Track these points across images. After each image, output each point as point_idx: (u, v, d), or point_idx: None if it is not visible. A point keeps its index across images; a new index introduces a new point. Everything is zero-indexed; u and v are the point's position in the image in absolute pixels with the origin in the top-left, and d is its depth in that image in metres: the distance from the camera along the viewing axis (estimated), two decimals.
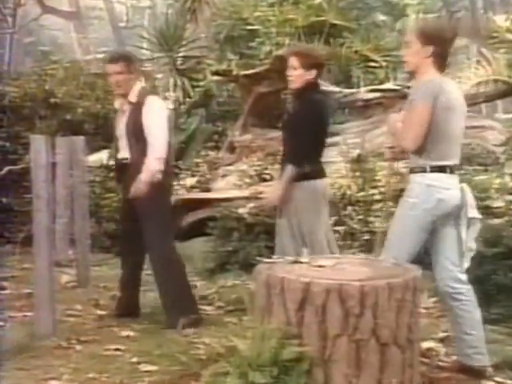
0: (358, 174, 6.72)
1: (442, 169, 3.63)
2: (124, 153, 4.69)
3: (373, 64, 9.24)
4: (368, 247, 5.98)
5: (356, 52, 9.25)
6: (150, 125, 4.55)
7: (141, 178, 4.49)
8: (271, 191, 4.55)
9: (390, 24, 10.77)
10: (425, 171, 3.63)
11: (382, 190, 6.43)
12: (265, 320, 3.13)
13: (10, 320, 4.80)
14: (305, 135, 4.31)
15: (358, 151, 7.25)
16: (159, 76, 10.40)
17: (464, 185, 3.75)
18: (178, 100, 9.77)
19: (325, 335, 3.00)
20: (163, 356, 3.99)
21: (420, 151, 3.62)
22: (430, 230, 3.68)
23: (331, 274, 3.19)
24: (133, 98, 4.65)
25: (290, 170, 4.30)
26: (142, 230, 4.64)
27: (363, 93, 8.53)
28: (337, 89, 8.54)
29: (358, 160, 7.01)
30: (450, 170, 3.66)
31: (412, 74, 3.89)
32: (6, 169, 5.07)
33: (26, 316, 4.86)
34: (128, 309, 4.88)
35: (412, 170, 3.70)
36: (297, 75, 4.36)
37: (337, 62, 9.12)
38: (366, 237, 6.16)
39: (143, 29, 16.39)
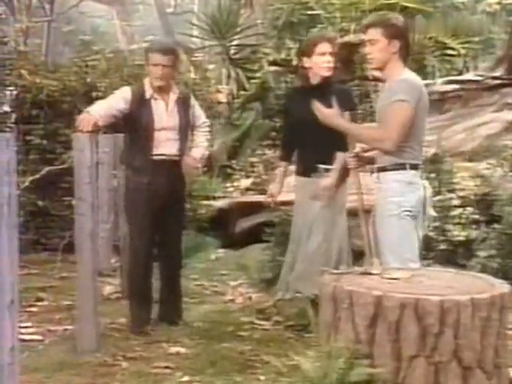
0: (433, 175, 6.65)
1: (416, 167, 4.02)
2: (166, 148, 4.86)
3: (450, 52, 9.13)
4: (446, 258, 5.92)
5: (431, 38, 9.17)
6: (201, 116, 5.12)
7: (195, 156, 5.00)
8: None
9: (470, 6, 10.61)
10: (405, 169, 3.96)
11: (462, 194, 6.35)
12: (331, 337, 3.13)
13: (48, 334, 4.91)
14: None
15: (433, 150, 7.17)
16: (211, 67, 10.49)
17: (425, 182, 4.14)
18: (231, 93, 9.83)
19: (399, 356, 2.99)
20: (217, 375, 4.03)
21: (398, 151, 3.94)
22: None
23: (406, 287, 3.17)
24: (176, 92, 4.96)
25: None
26: (175, 230, 5.01)
27: (439, 84, 8.44)
28: None
29: (434, 160, 6.93)
30: (420, 167, 4.07)
31: (380, 70, 4.15)
32: (46, 169, 5.18)
33: (66, 330, 4.97)
34: (169, 316, 4.99)
35: (386, 169, 4.00)
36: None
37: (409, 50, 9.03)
38: (443, 246, 6.09)
39: (193, 15, 16.55)
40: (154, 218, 4.89)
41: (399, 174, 3.97)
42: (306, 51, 4.89)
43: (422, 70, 9.00)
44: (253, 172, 8.60)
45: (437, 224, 6.21)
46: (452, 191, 6.47)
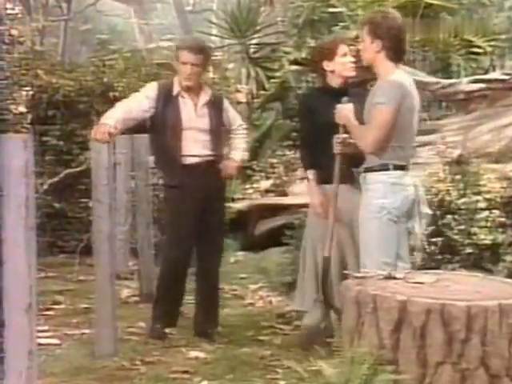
0: (458, 177, 6.60)
1: (402, 167, 4.06)
2: (197, 149, 4.81)
3: (476, 50, 9.07)
4: (471, 262, 5.88)
5: (456, 36, 9.11)
6: (237, 118, 5.15)
7: (235, 158, 5.05)
8: None
9: (497, 3, 10.53)
10: (387, 170, 4.02)
11: (488, 196, 6.30)
12: (354, 342, 3.12)
13: (66, 338, 4.94)
14: None
15: (458, 151, 7.13)
16: (230, 66, 10.49)
17: (417, 180, 4.19)
18: (251, 93, 9.84)
19: (424, 362, 2.98)
20: (237, 380, 4.03)
21: (381, 152, 4.02)
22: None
23: (432, 292, 3.16)
24: (208, 93, 4.94)
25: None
26: (214, 234, 4.89)
27: (465, 84, 8.37)
28: (433, 79, 8.43)
29: (459, 161, 6.89)
30: (408, 167, 4.10)
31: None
32: (64, 172, 5.21)
33: (83, 333, 5.00)
34: (206, 328, 4.94)
35: (370, 169, 4.07)
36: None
37: (433, 48, 9.00)
38: (469, 250, 6.05)
39: (212, 13, 16.60)
40: (192, 223, 4.80)
41: (383, 175, 4.04)
42: (326, 54, 4.84)
43: (446, 69, 8.98)
44: (273, 173, 8.60)
45: (462, 227, 6.17)
46: (478, 193, 6.41)
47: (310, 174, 4.85)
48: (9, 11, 8.04)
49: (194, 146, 4.81)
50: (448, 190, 6.38)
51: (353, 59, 4.76)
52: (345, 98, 4.35)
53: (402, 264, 4.02)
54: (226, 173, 4.99)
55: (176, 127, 4.78)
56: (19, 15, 9.75)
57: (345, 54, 4.77)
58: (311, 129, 4.84)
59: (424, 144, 7.70)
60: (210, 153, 4.86)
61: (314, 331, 4.52)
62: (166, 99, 4.81)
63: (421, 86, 8.17)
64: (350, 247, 4.62)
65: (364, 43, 4.12)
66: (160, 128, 4.82)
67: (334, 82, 4.81)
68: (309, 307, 4.75)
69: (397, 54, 4.11)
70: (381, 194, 4.02)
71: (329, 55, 4.82)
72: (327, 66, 4.81)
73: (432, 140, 7.51)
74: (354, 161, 4.38)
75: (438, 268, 5.48)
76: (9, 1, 8.54)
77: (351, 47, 4.83)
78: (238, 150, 5.11)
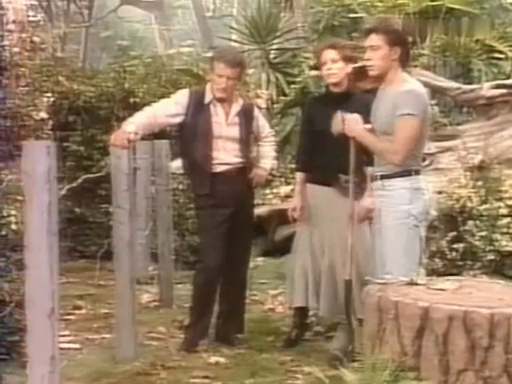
0: (480, 183, 6.58)
1: (418, 172, 4.12)
2: (227, 157, 4.80)
3: (497, 55, 9.03)
4: (493, 269, 5.85)
5: (477, 41, 9.08)
6: (266, 127, 5.14)
7: (264, 166, 5.07)
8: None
9: None
10: (410, 175, 4.04)
11: (510, 202, 6.27)
12: (375, 349, 3.11)
13: (86, 342, 4.96)
14: None
15: (480, 157, 7.10)
16: (250, 71, 10.49)
17: (428, 185, 4.22)
18: (271, 98, 9.83)
19: (446, 369, 2.97)
20: None
21: (404, 161, 4.01)
22: None
23: (454, 298, 3.15)
24: (240, 102, 4.93)
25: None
26: (243, 241, 4.92)
27: (486, 89, 8.33)
28: (454, 84, 8.39)
29: (481, 167, 6.86)
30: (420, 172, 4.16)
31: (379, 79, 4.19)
32: (82, 178, 5.24)
33: (104, 338, 5.02)
34: (229, 334, 4.93)
35: (391, 176, 4.05)
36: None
37: (454, 53, 8.96)
38: (491, 257, 6.03)
39: (232, 18, 16.63)
40: (223, 231, 4.78)
41: (406, 181, 4.04)
42: (317, 61, 4.88)
43: (467, 74, 8.94)
44: (293, 179, 8.54)
45: (484, 233, 6.15)
46: (499, 200, 6.38)
47: (299, 176, 4.93)
48: (31, 18, 8.10)
49: (224, 154, 4.80)
50: (469, 196, 6.36)
51: (331, 66, 4.63)
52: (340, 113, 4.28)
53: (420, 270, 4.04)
54: (256, 181, 5.00)
55: (206, 135, 4.76)
56: (41, 22, 9.82)
57: (324, 62, 4.65)
58: (308, 133, 4.85)
59: (445, 150, 7.68)
60: (239, 160, 4.85)
61: (342, 355, 4.49)
62: (198, 107, 4.79)
63: (441, 91, 8.18)
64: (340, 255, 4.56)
65: (378, 52, 4.06)
66: (190, 135, 4.80)
67: (331, 88, 4.76)
68: (299, 304, 4.82)
69: (406, 59, 4.15)
70: (406, 199, 4.01)
71: (318, 62, 4.82)
72: (320, 72, 4.82)
73: (453, 146, 7.48)
74: (340, 166, 4.38)
75: (459, 274, 5.47)
76: (31, 8, 8.60)
77: (341, 52, 4.68)
78: (268, 158, 5.12)
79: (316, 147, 4.69)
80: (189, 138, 4.81)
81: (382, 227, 4.05)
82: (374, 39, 4.07)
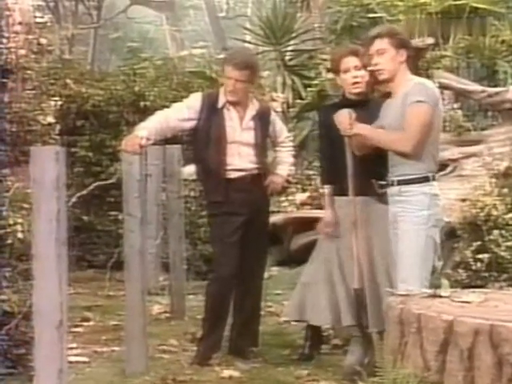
0: (506, 190, 6.55)
1: (435, 177, 4.19)
2: (241, 163, 4.79)
3: None
4: None
5: (503, 42, 9.05)
6: (283, 131, 5.14)
7: (282, 173, 5.03)
8: None
9: None
10: (428, 180, 4.12)
11: None
12: (397, 363, 3.10)
13: (95, 355, 4.96)
14: None
15: (505, 163, 7.07)
16: (265, 74, 10.52)
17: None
18: (286, 102, 9.84)
19: None
20: None
21: (418, 159, 4.09)
22: None
23: (479, 312, 3.12)
24: (256, 106, 4.91)
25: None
26: (258, 250, 4.90)
27: None
28: (479, 87, 8.36)
29: (507, 174, 6.83)
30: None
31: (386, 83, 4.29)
32: (94, 185, 5.25)
33: (113, 351, 5.02)
34: (243, 346, 4.92)
35: (409, 181, 4.10)
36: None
37: (478, 55, 8.94)
38: None
39: (246, 19, 16.69)
40: (237, 239, 4.77)
41: (425, 187, 4.12)
42: (333, 68, 4.85)
43: (493, 77, 8.91)
44: (309, 185, 8.58)
45: (510, 243, 6.10)
46: None
47: (326, 188, 4.83)
48: (38, 19, 8.14)
49: (239, 160, 4.79)
50: (495, 205, 6.32)
51: (357, 74, 4.58)
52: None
53: (426, 281, 4.09)
54: (272, 188, 4.99)
55: (220, 140, 4.76)
56: (48, 23, 9.87)
57: (347, 70, 4.59)
58: (327, 142, 4.81)
59: (469, 155, 7.65)
60: (254, 166, 4.84)
61: (358, 368, 4.46)
62: (211, 111, 4.79)
63: (465, 94, 8.15)
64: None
65: (385, 55, 4.17)
66: (203, 140, 4.80)
67: (348, 95, 4.71)
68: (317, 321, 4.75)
69: (413, 62, 4.32)
70: (425, 205, 4.09)
71: (334, 69, 4.78)
72: (337, 79, 4.79)
73: (477, 151, 7.45)
74: (374, 171, 4.35)
75: (484, 286, 5.43)
76: (38, 9, 8.65)
77: (362, 59, 4.56)
78: (285, 165, 5.10)
79: (339, 158, 4.58)
80: (202, 143, 4.81)
81: (400, 233, 4.12)
82: (380, 44, 4.20)
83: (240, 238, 4.78)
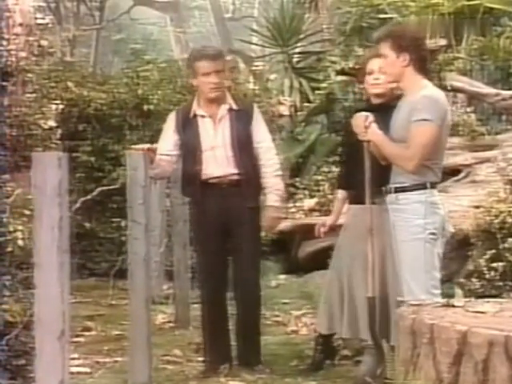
0: None
1: (435, 185, 4.17)
2: (219, 169, 4.75)
3: None
4: None
5: None
6: (265, 137, 4.87)
7: (273, 204, 4.85)
8: None
9: None
10: (425, 188, 4.09)
11: None
12: (409, 375, 3.09)
13: (97, 366, 4.97)
14: None
15: None
16: (272, 77, 10.54)
17: (441, 199, 4.28)
18: (294, 105, 9.85)
19: None
20: None
21: (419, 169, 4.09)
22: None
23: (494, 322, 3.11)
24: (233, 104, 4.81)
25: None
26: (247, 257, 4.83)
27: None
28: (493, 90, 8.37)
29: None
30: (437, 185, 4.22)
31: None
32: (98, 190, 5.27)
33: (116, 361, 5.02)
34: (247, 357, 4.91)
35: (404, 189, 4.10)
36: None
37: (493, 57, 8.94)
38: None
39: (253, 20, 16.72)
40: (219, 246, 4.81)
41: (421, 195, 4.10)
42: (360, 71, 4.92)
43: (507, 79, 8.91)
44: (318, 191, 8.57)
45: None
46: None
47: (340, 193, 4.90)
48: (38, 21, 8.17)
49: (215, 166, 4.74)
50: (509, 211, 6.31)
51: (377, 76, 4.61)
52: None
53: (435, 290, 4.10)
54: (269, 227, 5.01)
55: (195, 151, 4.75)
56: (49, 25, 9.91)
57: (370, 72, 4.65)
58: (346, 147, 4.87)
59: (483, 161, 7.66)
60: (233, 171, 4.75)
61: (371, 379, 4.46)
62: (185, 124, 4.80)
63: (479, 97, 8.16)
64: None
65: (387, 59, 4.19)
66: (183, 154, 4.84)
67: (373, 99, 4.75)
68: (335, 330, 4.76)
69: (425, 66, 4.21)
70: (421, 213, 4.08)
71: (362, 72, 4.82)
72: (366, 82, 4.79)
73: (492, 156, 7.45)
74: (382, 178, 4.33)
75: (499, 296, 5.42)
76: (38, 10, 8.68)
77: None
78: (272, 192, 4.86)
79: (357, 163, 4.52)
80: (182, 156, 4.86)
81: (397, 243, 4.13)
82: (382, 47, 4.22)
83: (223, 246, 4.82)
